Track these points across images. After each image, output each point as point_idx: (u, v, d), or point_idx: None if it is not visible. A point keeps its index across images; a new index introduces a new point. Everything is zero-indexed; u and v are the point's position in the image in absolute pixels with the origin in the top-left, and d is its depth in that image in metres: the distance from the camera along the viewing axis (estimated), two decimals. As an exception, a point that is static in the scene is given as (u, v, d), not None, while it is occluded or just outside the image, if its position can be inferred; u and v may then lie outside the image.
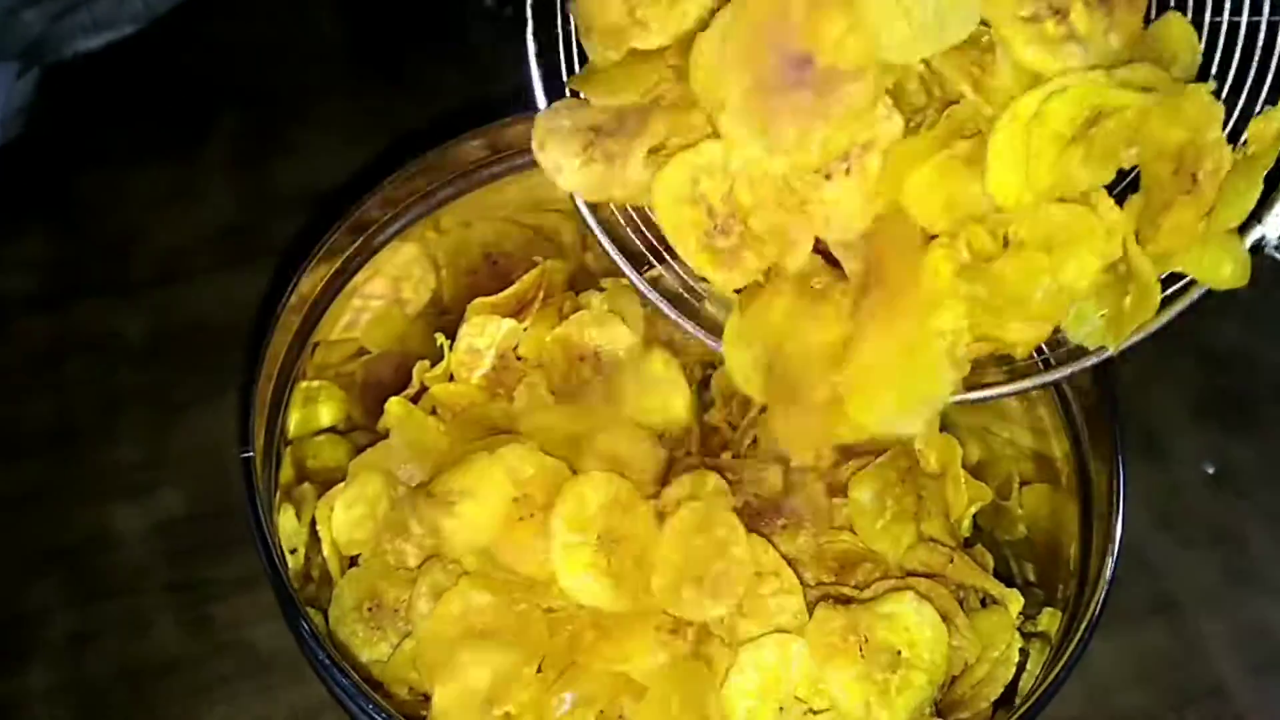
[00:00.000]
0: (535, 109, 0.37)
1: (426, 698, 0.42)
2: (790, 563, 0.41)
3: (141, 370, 0.67)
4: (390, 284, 0.49)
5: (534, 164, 0.50)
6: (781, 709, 0.39)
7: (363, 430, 0.49)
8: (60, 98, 0.77)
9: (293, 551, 0.43)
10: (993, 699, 0.42)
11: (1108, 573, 0.39)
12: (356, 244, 0.47)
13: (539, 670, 0.40)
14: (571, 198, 0.37)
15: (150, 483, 0.62)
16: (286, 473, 0.44)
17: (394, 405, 0.48)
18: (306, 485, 0.47)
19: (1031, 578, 0.45)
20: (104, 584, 0.59)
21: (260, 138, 0.77)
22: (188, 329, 0.68)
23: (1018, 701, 0.41)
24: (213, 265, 0.70)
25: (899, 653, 0.40)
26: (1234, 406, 0.66)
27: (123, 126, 0.77)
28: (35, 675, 0.56)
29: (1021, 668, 0.43)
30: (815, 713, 0.39)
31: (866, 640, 0.39)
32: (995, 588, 0.44)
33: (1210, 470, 0.63)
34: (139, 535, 0.61)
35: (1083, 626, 0.38)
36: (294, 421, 0.45)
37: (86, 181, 0.74)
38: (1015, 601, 0.44)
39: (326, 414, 0.48)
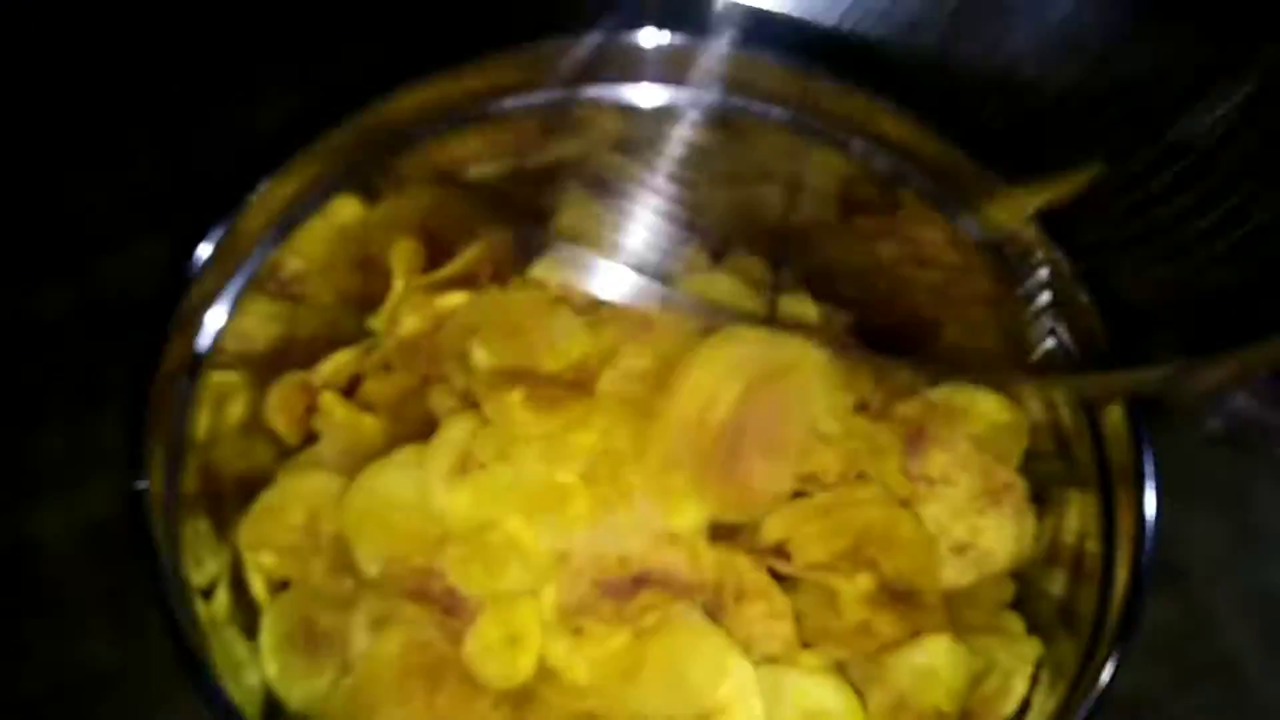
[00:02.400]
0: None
1: (371, 739, 0.37)
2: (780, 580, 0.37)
3: (62, 351, 0.61)
4: (311, 262, 0.43)
5: (483, 118, 0.46)
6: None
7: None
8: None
9: (208, 591, 0.38)
10: (1005, 715, 0.38)
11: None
12: (272, 217, 0.41)
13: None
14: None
15: (76, 480, 0.57)
16: (194, 485, 0.38)
17: (330, 403, 0.43)
18: (230, 499, 0.41)
19: (1056, 590, 0.40)
20: (32, 595, 0.54)
21: (189, 97, 0.70)
22: (113, 303, 0.63)
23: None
24: (140, 231, 0.65)
25: (941, 711, 0.36)
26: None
27: (35, 74, 0.70)
28: (-47, 701, 0.51)
29: (1035, 680, 0.38)
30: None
31: (915, 714, 0.35)
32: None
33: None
34: (65, 538, 0.56)
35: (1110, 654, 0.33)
36: (203, 426, 0.39)
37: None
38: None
39: (238, 413, 0.42)
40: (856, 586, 0.36)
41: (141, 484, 0.32)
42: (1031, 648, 0.38)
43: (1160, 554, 0.56)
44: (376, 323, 0.44)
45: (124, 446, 0.57)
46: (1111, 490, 0.39)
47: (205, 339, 0.40)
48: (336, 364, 0.43)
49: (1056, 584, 0.40)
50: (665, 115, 0.45)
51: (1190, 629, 0.55)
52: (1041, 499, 0.42)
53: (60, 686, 0.52)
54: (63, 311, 0.62)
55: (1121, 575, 0.35)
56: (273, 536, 0.39)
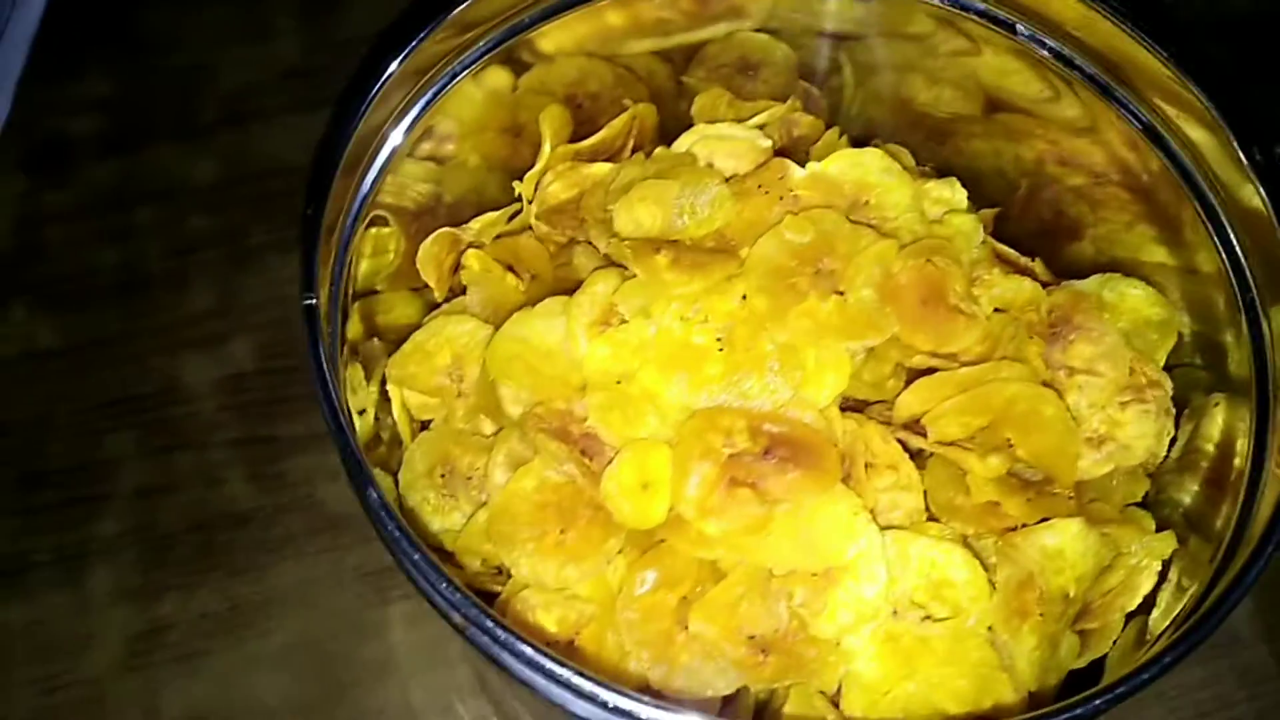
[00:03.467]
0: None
1: (499, 570, 0.39)
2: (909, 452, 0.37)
3: (212, 216, 0.64)
4: (461, 125, 0.44)
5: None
6: (895, 613, 0.35)
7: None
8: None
9: (361, 413, 0.40)
10: (1128, 609, 0.37)
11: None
12: (423, 80, 0.42)
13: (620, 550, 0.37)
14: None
15: (222, 333, 0.61)
16: (355, 328, 0.40)
17: (471, 259, 0.44)
18: (376, 342, 0.43)
19: (1187, 499, 0.39)
20: (175, 436, 0.58)
21: (331, -30, 0.72)
22: (259, 173, 0.65)
23: (1155, 615, 0.36)
24: (283, 107, 0.68)
25: (1068, 594, 0.35)
26: None
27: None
28: (106, 524, 0.55)
29: (1163, 578, 0.38)
30: (935, 620, 0.35)
31: (1042, 593, 0.35)
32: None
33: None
34: (210, 387, 0.59)
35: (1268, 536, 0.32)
36: (363, 271, 0.41)
37: (150, 18, 0.71)
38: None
39: (392, 263, 0.44)
40: (988, 467, 0.36)
41: (310, 299, 0.34)
42: (1164, 543, 0.37)
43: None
44: (523, 188, 0.45)
45: (273, 292, 0.60)
46: (1269, 404, 0.37)
47: (365, 190, 0.42)
48: (484, 223, 0.44)
49: (1188, 490, 0.39)
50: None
51: None
52: (1183, 403, 0.41)
53: (194, 524, 0.56)
54: (212, 180, 0.66)
55: (1270, 494, 0.34)
56: (419, 377, 0.41)
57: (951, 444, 0.36)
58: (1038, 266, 0.42)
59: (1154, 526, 0.39)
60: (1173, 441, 0.41)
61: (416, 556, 0.29)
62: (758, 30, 0.49)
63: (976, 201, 0.45)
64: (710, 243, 0.40)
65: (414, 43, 0.40)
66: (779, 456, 0.34)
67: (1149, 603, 0.37)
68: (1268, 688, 0.51)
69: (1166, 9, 0.39)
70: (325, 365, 0.32)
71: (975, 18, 0.43)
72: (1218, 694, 0.50)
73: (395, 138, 0.43)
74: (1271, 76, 0.61)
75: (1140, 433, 0.39)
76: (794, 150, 0.45)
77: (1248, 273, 0.38)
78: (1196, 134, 0.38)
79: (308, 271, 0.34)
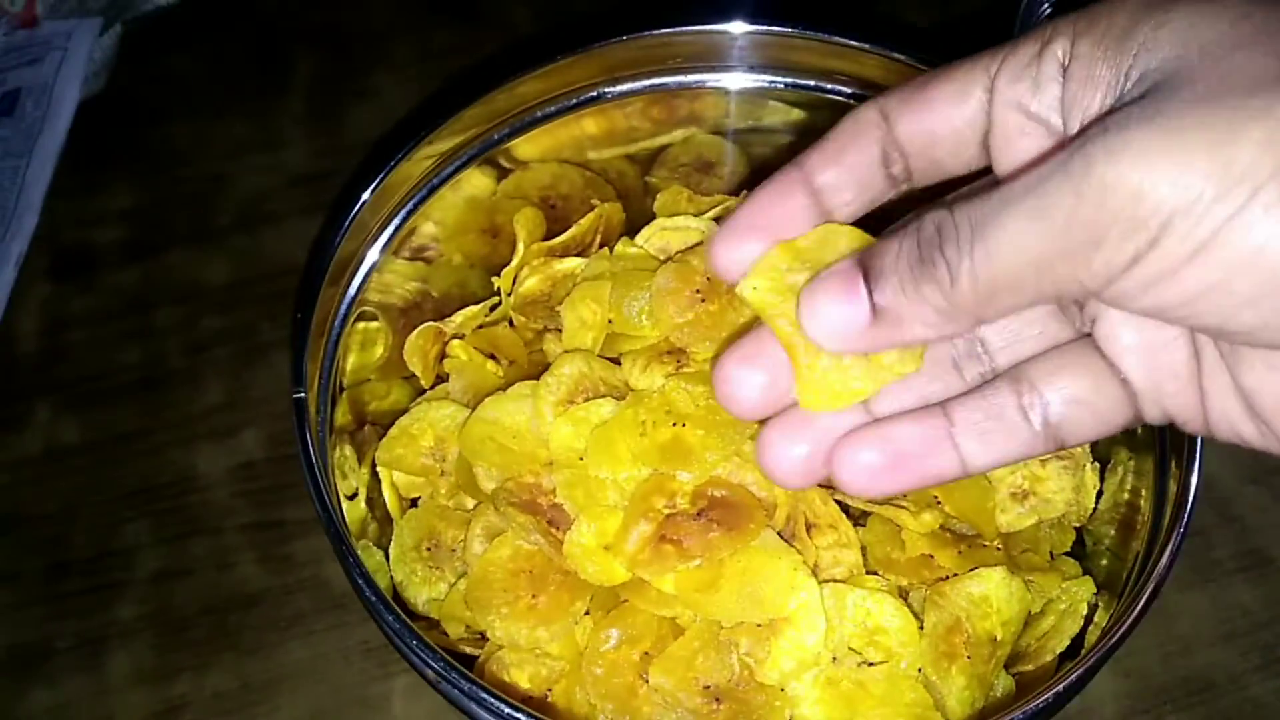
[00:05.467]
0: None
1: (481, 636, 0.43)
2: (846, 511, 0.40)
3: (225, 315, 0.69)
4: (443, 228, 0.49)
5: (593, 101, 0.51)
6: (835, 659, 0.38)
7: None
8: (141, 52, 0.79)
9: (351, 496, 0.43)
10: (1058, 651, 0.40)
11: (1183, 521, 0.37)
12: (407, 189, 0.47)
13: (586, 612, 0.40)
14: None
15: (233, 425, 0.65)
16: (344, 416, 0.44)
17: (456, 349, 0.48)
18: (368, 428, 0.47)
19: (1110, 545, 0.42)
20: (190, 523, 0.61)
21: (337, 83, 0.78)
22: (269, 274, 0.70)
23: (1083, 653, 0.39)
24: (293, 211, 0.72)
25: (995, 638, 0.39)
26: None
27: (202, 78, 0.79)
28: (124, 609, 0.58)
29: (1089, 621, 0.41)
30: (870, 664, 0.38)
31: (969, 637, 0.38)
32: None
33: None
34: (222, 476, 0.63)
35: (1153, 574, 0.35)
36: (350, 365, 0.45)
37: (169, 133, 0.77)
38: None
39: (380, 355, 0.48)
40: (921, 523, 0.39)
41: (300, 393, 0.38)
42: (1084, 587, 0.40)
43: (1247, 542, 0.58)
44: (501, 282, 0.49)
45: (282, 385, 0.64)
46: (1166, 460, 0.41)
47: (353, 289, 0.46)
48: (465, 316, 0.48)
49: (1109, 537, 0.43)
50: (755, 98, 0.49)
51: (1274, 614, 0.56)
52: (1106, 459, 0.44)
53: (209, 607, 0.59)
54: (225, 282, 0.70)
55: (1165, 523, 0.38)
56: (405, 458, 0.45)
57: (886, 503, 0.40)
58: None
59: (1078, 573, 0.42)
60: (1100, 494, 0.44)
61: (390, 618, 0.32)
62: (713, 133, 0.54)
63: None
64: (665, 345, 0.44)
65: (392, 163, 0.45)
66: (709, 517, 0.38)
67: (1079, 644, 0.40)
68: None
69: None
70: (314, 452, 0.36)
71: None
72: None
73: (380, 243, 0.47)
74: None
75: (1060, 487, 0.42)
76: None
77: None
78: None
79: (298, 369, 0.38)
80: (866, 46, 0.45)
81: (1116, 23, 0.26)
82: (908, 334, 0.27)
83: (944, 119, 0.29)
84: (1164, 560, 0.35)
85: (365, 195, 0.43)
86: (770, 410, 0.30)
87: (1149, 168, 0.23)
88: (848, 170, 0.30)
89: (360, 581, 0.34)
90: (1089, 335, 0.30)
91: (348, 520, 0.42)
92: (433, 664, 0.32)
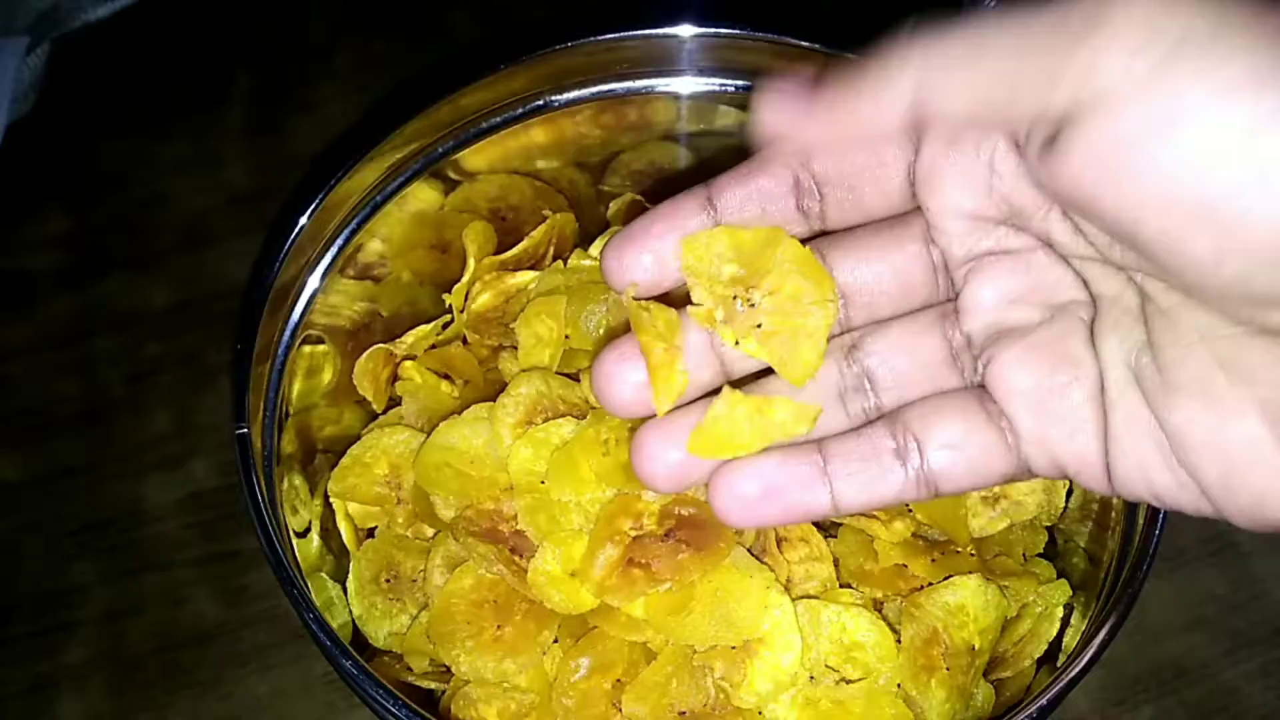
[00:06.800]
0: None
1: (446, 669, 0.41)
2: (817, 523, 0.39)
3: (168, 340, 0.67)
4: (390, 245, 0.47)
5: (541, 110, 0.50)
6: (812, 678, 0.37)
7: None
8: (71, 70, 0.76)
9: (303, 533, 0.42)
10: (1036, 656, 0.40)
11: (1160, 518, 0.36)
12: (350, 207, 0.45)
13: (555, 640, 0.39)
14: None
15: (181, 454, 0.63)
16: (293, 445, 0.43)
17: (409, 370, 0.47)
18: (320, 456, 0.46)
19: (1083, 542, 0.42)
20: (139, 558, 0.59)
21: (276, 97, 0.76)
22: (212, 296, 0.68)
23: (1061, 660, 0.38)
24: (234, 230, 0.70)
25: (973, 647, 0.38)
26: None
27: (137, 96, 0.77)
28: (74, 651, 0.57)
29: (1065, 623, 0.40)
30: (848, 682, 0.37)
31: (947, 648, 0.37)
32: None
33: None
34: (172, 507, 0.61)
35: (1132, 580, 0.35)
36: (297, 391, 0.44)
37: (103, 153, 0.74)
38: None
39: (329, 380, 0.47)
40: (892, 532, 0.38)
41: (242, 429, 0.36)
42: (1060, 591, 0.40)
43: (1211, 527, 0.58)
44: (452, 299, 0.48)
45: (229, 412, 0.63)
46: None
47: (296, 315, 0.45)
48: (416, 336, 0.46)
49: (1084, 536, 0.42)
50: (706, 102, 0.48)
51: (1242, 599, 0.57)
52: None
53: (162, 644, 0.57)
54: (167, 306, 0.68)
55: (1140, 521, 0.37)
56: (359, 488, 0.43)
57: (856, 513, 0.39)
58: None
59: (1053, 575, 0.42)
60: (1069, 493, 0.43)
61: (348, 664, 0.31)
62: (665, 138, 0.53)
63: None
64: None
65: (334, 180, 0.43)
66: (676, 538, 0.37)
67: (1056, 648, 0.40)
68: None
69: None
70: (260, 489, 0.35)
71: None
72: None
73: (324, 263, 0.46)
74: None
75: (1031, 489, 0.41)
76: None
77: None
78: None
79: (239, 403, 0.36)
80: (818, 46, 0.44)
81: None
82: None
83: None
84: (1144, 560, 0.35)
85: (303, 220, 0.42)
86: (648, 409, 0.30)
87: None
88: (753, 193, 0.29)
89: (313, 625, 0.32)
90: (980, 388, 0.29)
91: (300, 555, 0.40)
92: (394, 710, 0.31)
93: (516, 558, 0.39)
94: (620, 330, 0.42)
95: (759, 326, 0.29)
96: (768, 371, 0.31)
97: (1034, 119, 0.24)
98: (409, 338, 0.47)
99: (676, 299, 0.30)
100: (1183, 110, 0.22)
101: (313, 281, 0.44)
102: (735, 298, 0.29)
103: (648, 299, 0.30)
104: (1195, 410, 0.25)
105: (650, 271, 0.29)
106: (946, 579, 0.38)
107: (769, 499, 0.29)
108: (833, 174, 0.29)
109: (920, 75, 0.25)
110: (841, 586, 0.39)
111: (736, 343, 0.30)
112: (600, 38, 0.46)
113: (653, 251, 0.29)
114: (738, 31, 0.44)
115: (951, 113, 0.25)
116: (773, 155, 0.29)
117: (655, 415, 0.30)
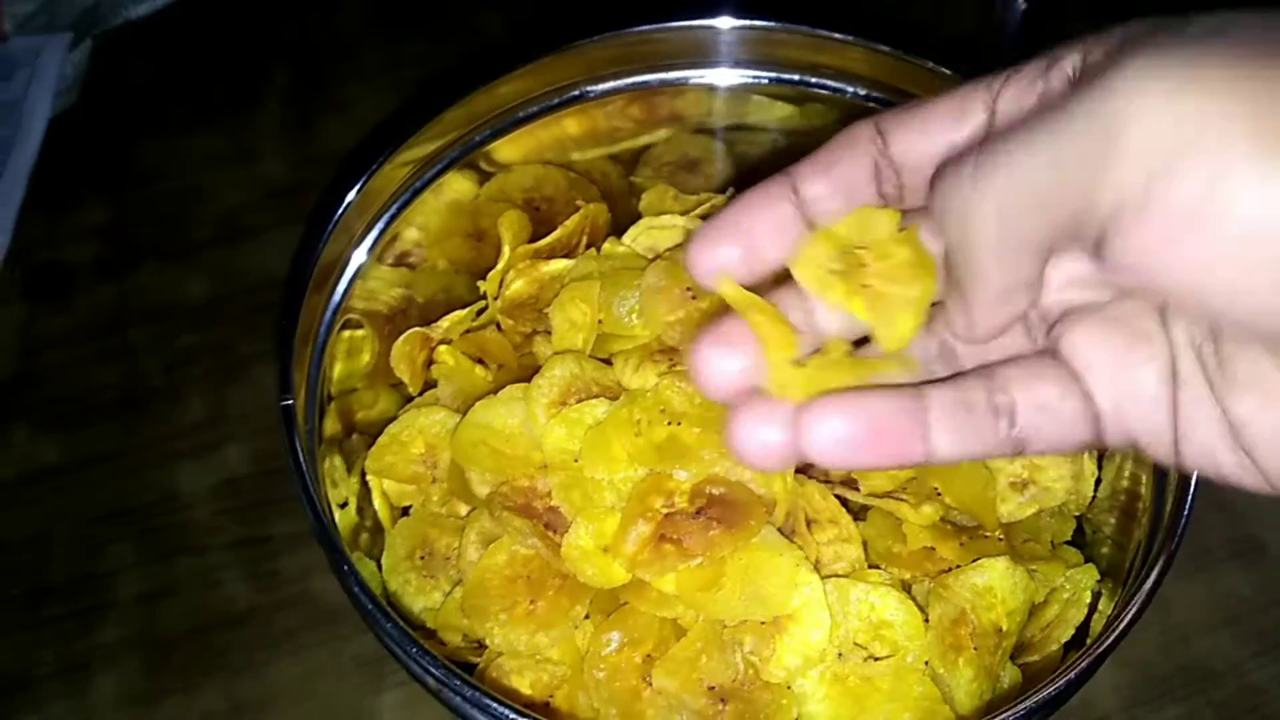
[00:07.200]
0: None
1: (479, 644, 0.42)
2: (846, 505, 0.40)
3: (204, 331, 0.68)
4: (427, 233, 0.48)
5: (575, 101, 0.51)
6: (840, 655, 0.37)
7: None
8: (113, 66, 0.78)
9: (343, 505, 0.43)
10: (1063, 641, 0.40)
11: (1185, 507, 0.37)
12: (388, 195, 0.46)
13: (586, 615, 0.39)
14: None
15: (215, 442, 0.64)
16: (332, 425, 0.44)
17: (444, 354, 0.48)
18: (356, 437, 0.46)
19: (1110, 533, 0.42)
20: (173, 543, 0.60)
21: (310, 94, 0.78)
22: (247, 288, 0.69)
23: (1089, 642, 0.39)
24: (269, 224, 0.72)
25: (1001, 628, 0.38)
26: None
27: (176, 92, 0.78)
28: (108, 632, 0.57)
29: (1093, 609, 0.40)
30: (876, 659, 0.38)
31: (974, 629, 0.38)
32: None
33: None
34: (205, 494, 0.62)
35: (1158, 561, 0.35)
36: (337, 373, 0.45)
37: (143, 148, 0.76)
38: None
39: (367, 363, 0.47)
40: (921, 515, 0.39)
41: (288, 399, 0.37)
42: (1088, 575, 0.40)
43: (1240, 529, 0.58)
44: (487, 286, 0.49)
45: (261, 401, 0.64)
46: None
47: (338, 296, 0.46)
48: (452, 321, 0.47)
49: (1112, 527, 0.42)
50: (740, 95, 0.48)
51: (1269, 600, 0.57)
52: (1102, 449, 0.44)
53: (195, 627, 0.58)
54: (203, 297, 0.70)
55: (1168, 509, 0.38)
56: (396, 466, 0.44)
57: (887, 495, 0.39)
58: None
59: (1080, 561, 0.42)
60: (1098, 482, 0.44)
61: (389, 625, 0.32)
62: (697, 131, 0.54)
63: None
64: (657, 344, 0.43)
65: (375, 166, 0.44)
66: (708, 515, 0.38)
67: (1084, 633, 0.40)
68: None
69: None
70: (303, 461, 0.35)
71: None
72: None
73: (364, 250, 0.47)
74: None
75: (1059, 475, 0.42)
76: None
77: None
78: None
79: (284, 377, 0.37)
80: (852, 40, 0.45)
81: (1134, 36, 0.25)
82: None
83: (941, 137, 0.28)
84: (1170, 545, 0.35)
85: (349, 197, 0.43)
86: (741, 393, 0.29)
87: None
88: (837, 183, 0.29)
89: (356, 590, 0.33)
90: (1052, 354, 0.29)
91: (340, 530, 0.41)
92: (433, 671, 0.31)
93: (550, 533, 0.39)
94: (651, 317, 0.43)
95: (866, 287, 0.29)
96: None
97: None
98: (444, 322, 0.48)
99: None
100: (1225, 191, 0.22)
101: (354, 263, 0.45)
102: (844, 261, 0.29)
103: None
104: (1255, 405, 0.25)
105: (740, 263, 0.29)
106: (974, 562, 0.39)
107: (869, 440, 0.28)
108: (910, 158, 0.29)
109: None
110: (870, 568, 0.39)
111: (844, 303, 0.29)
112: (636, 29, 0.47)
113: (741, 244, 0.29)
114: (775, 24, 0.45)
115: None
116: (852, 139, 0.29)
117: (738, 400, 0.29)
